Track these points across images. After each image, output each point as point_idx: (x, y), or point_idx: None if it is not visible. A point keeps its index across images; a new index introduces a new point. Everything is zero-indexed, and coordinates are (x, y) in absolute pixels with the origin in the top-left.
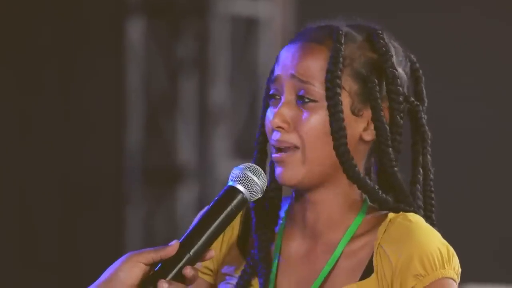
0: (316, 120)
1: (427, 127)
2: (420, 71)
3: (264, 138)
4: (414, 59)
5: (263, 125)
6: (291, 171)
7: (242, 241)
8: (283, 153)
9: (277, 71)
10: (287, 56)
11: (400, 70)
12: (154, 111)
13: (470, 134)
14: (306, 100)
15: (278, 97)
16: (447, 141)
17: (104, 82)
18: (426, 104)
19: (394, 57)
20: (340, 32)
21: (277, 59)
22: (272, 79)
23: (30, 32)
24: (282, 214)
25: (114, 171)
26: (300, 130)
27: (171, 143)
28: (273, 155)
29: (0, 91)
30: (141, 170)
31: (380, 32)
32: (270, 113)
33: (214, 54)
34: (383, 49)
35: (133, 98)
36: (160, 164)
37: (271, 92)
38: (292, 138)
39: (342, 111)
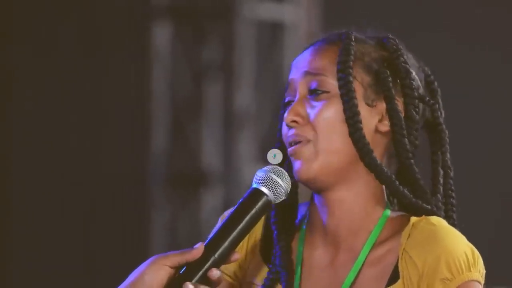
0: (330, 110)
1: (444, 126)
2: (436, 83)
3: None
4: (429, 72)
5: (281, 136)
6: (306, 164)
7: (264, 248)
8: (297, 145)
9: (290, 77)
10: (297, 60)
11: (414, 73)
12: (179, 115)
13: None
14: (319, 92)
15: (292, 101)
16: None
17: (130, 86)
18: (443, 116)
19: (405, 55)
20: (350, 33)
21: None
22: (286, 87)
23: (56, 36)
24: (301, 220)
25: (139, 175)
26: (314, 121)
27: (196, 147)
28: (288, 150)
29: (25, 95)
30: (165, 174)
31: (391, 36)
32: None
33: (239, 58)
34: (394, 47)
35: (158, 102)
36: (185, 168)
37: (286, 100)
38: (306, 131)
39: (355, 97)
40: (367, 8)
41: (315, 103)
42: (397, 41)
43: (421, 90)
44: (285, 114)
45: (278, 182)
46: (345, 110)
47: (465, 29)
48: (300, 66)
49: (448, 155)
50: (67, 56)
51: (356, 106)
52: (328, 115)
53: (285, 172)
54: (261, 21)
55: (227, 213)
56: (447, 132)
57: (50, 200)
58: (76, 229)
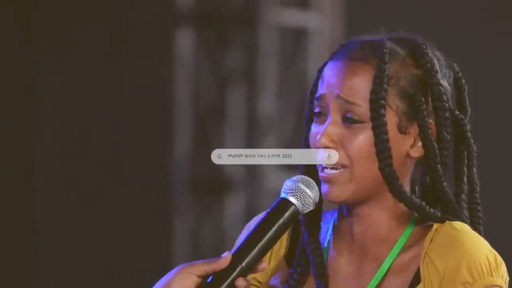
0: (363, 140)
1: (472, 140)
2: (463, 80)
3: None
4: (457, 68)
5: (306, 139)
6: (339, 189)
7: (289, 254)
8: (330, 172)
9: (322, 90)
10: (331, 75)
11: (444, 83)
12: (202, 121)
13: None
14: (353, 120)
15: (323, 114)
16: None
17: (153, 92)
18: (469, 113)
19: (439, 72)
20: (385, 50)
21: (320, 74)
22: (316, 96)
23: (79, 42)
24: (327, 227)
25: (162, 181)
26: (348, 149)
27: None
28: (320, 174)
29: (48, 99)
30: (189, 180)
31: (424, 46)
32: (314, 128)
33: (262, 64)
34: (428, 65)
35: (181, 108)
36: (208, 174)
37: (316, 110)
38: (341, 158)
39: (387, 132)
40: (390, 15)
41: (348, 130)
42: (429, 52)
43: (450, 102)
44: (318, 137)
45: (306, 193)
46: (376, 144)
47: (490, 30)
48: (333, 84)
49: (475, 170)
50: (90, 62)
51: (387, 141)
52: (362, 145)
53: (314, 182)
54: (284, 27)
55: (254, 220)
56: (475, 147)
57: (72, 207)
58: (99, 235)
